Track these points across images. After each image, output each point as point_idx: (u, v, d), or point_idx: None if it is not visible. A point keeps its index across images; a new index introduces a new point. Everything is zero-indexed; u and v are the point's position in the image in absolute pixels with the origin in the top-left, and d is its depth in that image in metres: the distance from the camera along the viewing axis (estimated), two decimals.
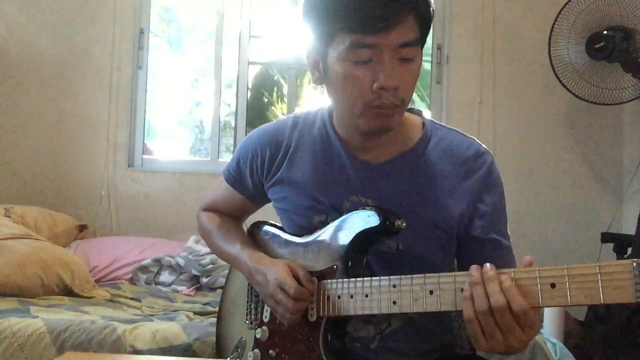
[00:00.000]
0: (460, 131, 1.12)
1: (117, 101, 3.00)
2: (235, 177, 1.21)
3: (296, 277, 1.00)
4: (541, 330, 1.93)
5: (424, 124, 1.11)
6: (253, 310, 1.14)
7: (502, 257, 1.04)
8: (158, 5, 3.65)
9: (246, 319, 1.15)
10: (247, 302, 1.16)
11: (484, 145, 1.10)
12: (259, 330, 1.09)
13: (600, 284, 0.71)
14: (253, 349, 1.09)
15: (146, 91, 3.14)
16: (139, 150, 3.09)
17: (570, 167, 3.00)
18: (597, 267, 0.71)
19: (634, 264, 0.69)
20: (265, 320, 1.09)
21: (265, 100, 5.20)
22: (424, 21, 0.96)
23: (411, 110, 1.13)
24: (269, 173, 1.14)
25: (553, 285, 0.75)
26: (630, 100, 2.67)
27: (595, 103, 2.70)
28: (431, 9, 0.97)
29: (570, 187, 3.00)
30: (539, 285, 0.76)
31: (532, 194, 2.99)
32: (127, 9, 2.99)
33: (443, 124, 1.13)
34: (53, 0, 2.98)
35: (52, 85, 3.00)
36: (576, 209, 2.98)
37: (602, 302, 0.71)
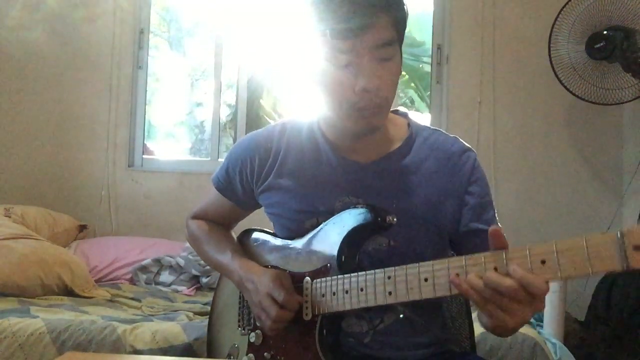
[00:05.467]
0: (443, 131, 1.16)
1: (117, 101, 3.00)
2: (224, 184, 1.22)
3: (284, 286, 1.01)
4: (541, 330, 1.93)
5: (408, 124, 1.14)
6: (246, 316, 1.14)
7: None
8: (158, 5, 3.65)
9: (238, 325, 1.16)
10: (239, 307, 1.16)
11: (467, 144, 1.14)
12: (252, 334, 1.09)
13: (588, 256, 0.74)
14: (247, 354, 1.10)
15: (146, 91, 3.14)
16: (139, 150, 3.09)
17: (570, 167, 3.00)
18: (584, 241, 0.75)
19: (619, 234, 0.72)
20: (259, 324, 1.09)
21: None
22: (399, 20, 0.99)
23: (396, 112, 1.16)
24: (259, 179, 1.16)
25: (543, 262, 0.78)
26: (630, 100, 2.67)
27: (595, 103, 2.70)
28: (405, 7, 1.01)
29: (570, 187, 2.99)
30: (529, 262, 0.78)
31: (532, 194, 2.99)
32: (127, 9, 2.99)
33: (427, 125, 1.17)
34: (53, 0, 2.98)
35: (52, 85, 3.01)
36: (576, 209, 2.98)
37: (591, 272, 0.74)
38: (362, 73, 0.96)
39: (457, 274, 0.83)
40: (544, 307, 0.82)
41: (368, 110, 0.99)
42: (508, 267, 0.79)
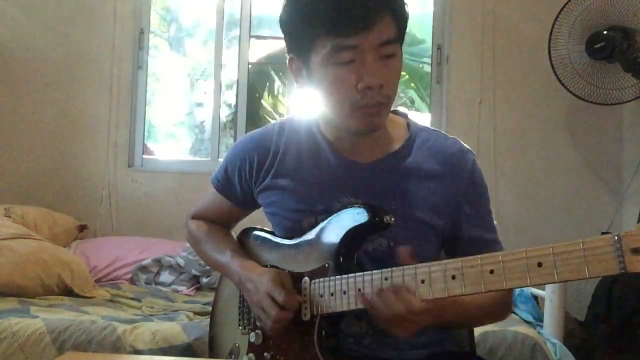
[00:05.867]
0: (442, 132, 1.16)
1: (117, 101, 3.00)
2: (223, 184, 1.23)
3: (284, 287, 1.01)
4: (541, 330, 1.93)
5: (408, 125, 1.14)
6: (246, 315, 1.14)
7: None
8: (158, 5, 3.65)
9: (239, 324, 1.15)
10: (240, 307, 1.16)
11: (466, 145, 1.14)
12: (252, 334, 1.09)
13: (584, 259, 0.74)
14: (247, 353, 1.09)
15: (146, 91, 3.14)
16: (139, 150, 3.09)
17: (570, 167, 3.00)
18: (581, 244, 0.74)
19: (615, 237, 0.72)
20: (259, 324, 1.09)
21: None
22: (401, 19, 1.00)
23: (396, 112, 1.16)
24: (258, 179, 1.16)
25: (540, 264, 0.78)
26: (630, 100, 2.67)
27: (595, 103, 2.70)
28: (406, 6, 1.02)
29: (570, 187, 2.99)
30: (526, 265, 0.78)
31: (532, 194, 2.99)
32: (127, 9, 3.00)
33: (426, 125, 1.17)
34: (53, 0, 2.99)
35: (52, 85, 3.01)
36: (576, 209, 2.98)
37: (587, 276, 0.74)
38: (365, 70, 0.96)
39: (491, 271, 0.83)
40: (423, 324, 0.91)
41: (370, 108, 0.99)
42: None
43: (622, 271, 0.71)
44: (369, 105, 0.99)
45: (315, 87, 1.04)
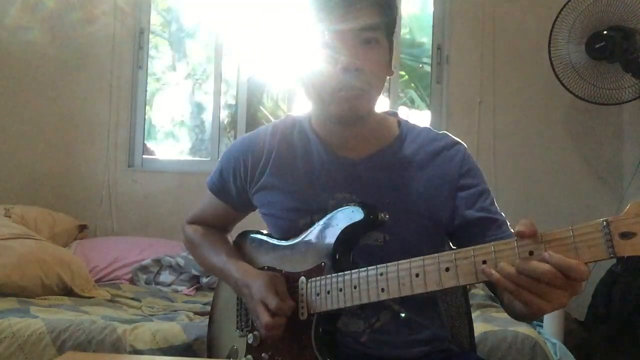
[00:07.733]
0: (432, 129, 1.18)
1: (117, 101, 3.00)
2: (219, 187, 1.23)
3: (277, 292, 1.01)
4: (541, 330, 1.94)
5: (399, 123, 1.16)
6: (244, 317, 1.14)
7: (499, 233, 1.06)
8: (158, 5, 3.65)
9: (237, 327, 1.16)
10: (237, 309, 1.17)
11: (456, 138, 1.15)
12: (250, 335, 1.09)
13: (575, 246, 0.75)
14: (246, 355, 1.10)
15: (146, 91, 3.14)
16: (139, 150, 3.09)
17: (570, 167, 3.00)
18: (571, 231, 0.76)
19: (604, 222, 0.73)
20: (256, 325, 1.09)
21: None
22: (384, 5, 1.02)
23: (387, 112, 1.18)
24: (252, 180, 1.16)
25: (531, 253, 0.78)
26: (630, 100, 2.67)
27: (595, 103, 2.70)
28: None
29: (570, 187, 3.00)
30: (517, 254, 0.79)
31: (532, 194, 2.99)
32: (127, 9, 3.00)
33: (417, 123, 1.19)
34: (52, 0, 2.99)
35: (52, 85, 3.01)
36: (576, 209, 2.98)
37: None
38: (344, 53, 0.99)
39: (484, 261, 0.82)
40: (581, 289, 0.79)
41: (348, 91, 1.00)
42: (543, 252, 0.76)
43: (612, 255, 0.73)
44: (346, 88, 1.00)
45: (304, 73, 1.06)
